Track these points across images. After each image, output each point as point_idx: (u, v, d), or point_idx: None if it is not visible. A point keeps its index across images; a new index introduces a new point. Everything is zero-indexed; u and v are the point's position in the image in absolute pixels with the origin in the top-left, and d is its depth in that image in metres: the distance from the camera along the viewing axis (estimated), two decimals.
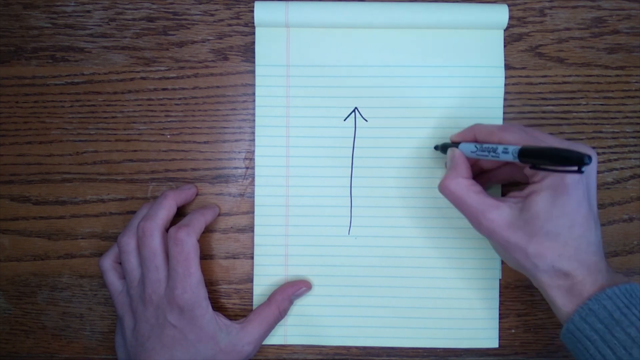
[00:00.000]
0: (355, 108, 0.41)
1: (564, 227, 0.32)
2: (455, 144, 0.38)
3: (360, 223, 0.41)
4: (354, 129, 0.41)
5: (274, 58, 0.41)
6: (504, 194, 0.41)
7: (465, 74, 0.41)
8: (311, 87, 0.41)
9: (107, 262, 0.39)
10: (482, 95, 0.41)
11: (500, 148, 0.33)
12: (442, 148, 0.39)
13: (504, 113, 0.42)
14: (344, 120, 0.41)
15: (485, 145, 0.35)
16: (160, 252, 0.37)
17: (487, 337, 0.41)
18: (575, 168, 0.29)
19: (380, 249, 0.41)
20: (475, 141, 0.37)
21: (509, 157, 0.33)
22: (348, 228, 0.41)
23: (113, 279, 0.39)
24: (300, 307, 0.42)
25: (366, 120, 0.41)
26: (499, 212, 0.34)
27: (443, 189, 0.36)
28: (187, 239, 0.37)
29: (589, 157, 0.28)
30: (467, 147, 0.36)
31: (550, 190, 0.32)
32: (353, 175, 0.41)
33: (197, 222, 0.38)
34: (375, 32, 0.41)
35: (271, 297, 0.40)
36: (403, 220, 0.41)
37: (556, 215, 0.32)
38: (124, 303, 0.38)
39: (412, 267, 0.41)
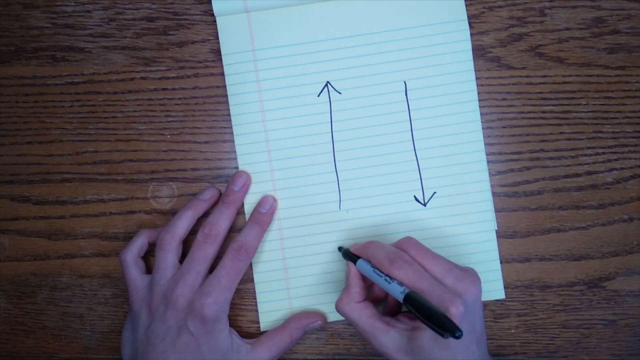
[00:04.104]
0: (327, 82, 0.42)
1: (447, 357, 0.34)
2: (355, 256, 0.38)
3: (350, 196, 0.42)
4: (329, 103, 0.42)
5: (239, 45, 0.41)
6: None
7: (429, 32, 0.41)
8: (280, 68, 0.41)
9: (130, 256, 0.39)
10: (450, 51, 0.41)
11: (394, 283, 0.34)
12: (344, 254, 0.39)
13: (504, 113, 0.42)
14: (318, 96, 0.42)
15: (380, 275, 0.35)
16: (210, 260, 0.38)
17: (492, 289, 0.41)
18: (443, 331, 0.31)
19: (373, 218, 0.42)
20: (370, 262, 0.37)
21: (397, 296, 0.34)
22: (338, 203, 0.42)
23: (135, 274, 0.39)
24: (303, 288, 0.41)
25: (340, 93, 0.41)
26: (388, 337, 0.35)
27: (338, 310, 0.37)
28: (247, 259, 0.38)
29: (461, 332, 0.30)
30: (365, 267, 0.37)
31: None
32: (336, 150, 0.42)
33: (256, 249, 0.39)
34: (335, 4, 0.41)
35: (285, 324, 0.40)
36: (391, 186, 0.41)
37: (439, 349, 0.34)
38: (143, 300, 0.38)
39: (407, 232, 0.41)
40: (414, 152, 0.42)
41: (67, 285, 0.43)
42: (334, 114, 0.42)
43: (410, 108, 0.41)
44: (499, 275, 0.41)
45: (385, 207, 0.42)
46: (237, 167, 0.42)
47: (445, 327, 0.31)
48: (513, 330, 0.42)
